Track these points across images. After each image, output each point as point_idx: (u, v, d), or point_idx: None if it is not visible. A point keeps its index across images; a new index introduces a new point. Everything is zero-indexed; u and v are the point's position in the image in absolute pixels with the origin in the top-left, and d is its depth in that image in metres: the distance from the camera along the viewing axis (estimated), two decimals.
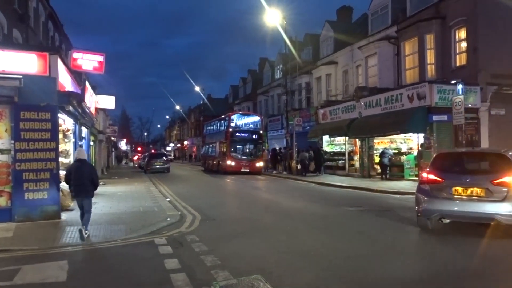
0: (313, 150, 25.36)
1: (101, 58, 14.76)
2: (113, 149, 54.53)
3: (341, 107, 23.87)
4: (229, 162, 28.57)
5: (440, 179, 7.85)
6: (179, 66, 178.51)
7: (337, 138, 25.31)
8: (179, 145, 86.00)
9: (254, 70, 49.01)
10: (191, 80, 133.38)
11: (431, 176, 7.95)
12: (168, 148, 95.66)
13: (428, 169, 8.19)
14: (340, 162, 24.61)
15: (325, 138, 25.99)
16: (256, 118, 31.78)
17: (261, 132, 30.50)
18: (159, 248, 7.47)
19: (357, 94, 21.89)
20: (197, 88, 55.92)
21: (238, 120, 32.12)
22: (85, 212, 8.70)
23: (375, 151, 21.66)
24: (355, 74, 26.13)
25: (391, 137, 21.31)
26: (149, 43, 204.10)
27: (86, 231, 8.45)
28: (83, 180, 8.54)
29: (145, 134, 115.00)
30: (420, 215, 8.14)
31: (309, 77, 31.39)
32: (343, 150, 24.67)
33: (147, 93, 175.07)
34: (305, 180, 21.96)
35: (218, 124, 34.14)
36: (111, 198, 14.17)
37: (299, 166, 25.28)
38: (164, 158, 34.42)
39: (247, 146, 30.63)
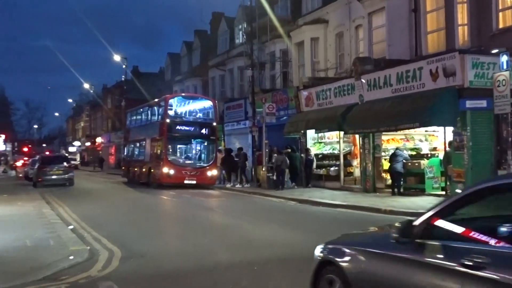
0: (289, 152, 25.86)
1: None
2: None
3: (333, 88, 24.15)
4: (166, 169, 28.42)
5: None
6: (87, 23, 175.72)
7: (327, 134, 25.63)
8: (88, 143, 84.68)
9: (203, 32, 48.90)
10: (106, 45, 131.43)
11: None
12: (72, 149, 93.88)
13: None
14: (332, 169, 24.96)
15: (310, 133, 26.30)
16: (207, 104, 31.73)
17: (214, 124, 30.52)
18: None
19: (357, 68, 22.21)
20: (117, 58, 55.19)
21: (180, 107, 31.91)
22: None
23: (383, 153, 22.07)
24: (354, 39, 26.52)
25: (407, 132, 21.76)
26: None
27: None
28: None
29: (36, 127, 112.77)
30: None
31: (287, 43, 31.65)
32: (336, 152, 25.01)
33: (38, 65, 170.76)
34: (281, 197, 22.09)
35: (149, 113, 33.88)
36: None
37: (274, 177, 25.46)
38: (65, 163, 33.83)
39: (193, 146, 30.55)
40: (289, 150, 26.28)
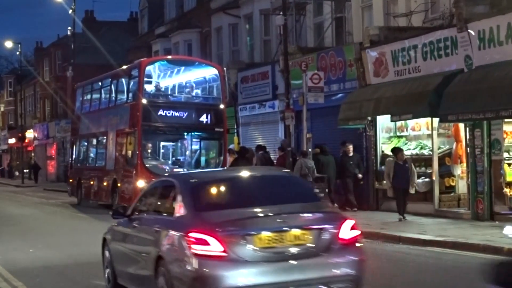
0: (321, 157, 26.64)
1: None
2: None
3: (421, 45, 24.09)
4: (141, 183, 28.40)
5: None
6: None
7: (410, 123, 25.66)
8: (13, 140, 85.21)
9: None
10: None
11: None
12: None
13: None
14: (420, 181, 24.88)
15: (383, 122, 26.44)
16: (209, 72, 31.74)
17: (221, 107, 30.50)
18: None
19: (461, 11, 22.09)
20: None
21: (164, 78, 31.96)
22: None
23: (506, 155, 22.02)
24: None
25: None
26: None
27: None
28: None
29: None
30: None
31: None
32: (426, 153, 24.96)
33: None
34: None
35: (113, 89, 33.98)
36: None
37: None
38: None
39: (186, 144, 30.60)
40: (318, 151, 26.87)
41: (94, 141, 35.67)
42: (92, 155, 36.02)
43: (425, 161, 24.95)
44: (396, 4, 28.69)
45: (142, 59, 33.57)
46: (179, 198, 11.03)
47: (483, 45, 21.43)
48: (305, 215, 10.57)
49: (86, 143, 37.28)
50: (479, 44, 21.55)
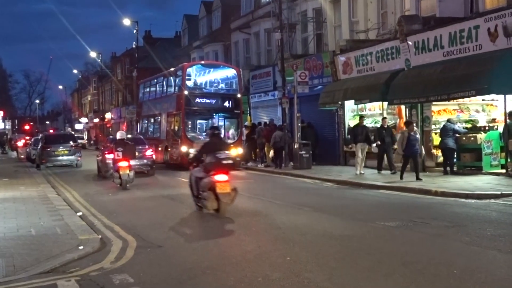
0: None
1: None
2: None
3: (375, 52, 24.04)
4: (184, 148, 28.62)
5: None
6: None
7: (368, 105, 25.58)
8: (97, 120, 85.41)
9: None
10: (114, 7, 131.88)
11: None
12: (79, 126, 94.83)
13: None
14: (374, 145, 24.81)
15: (349, 104, 26.32)
16: (230, 72, 31.70)
17: (238, 96, 30.56)
18: None
19: (403, 28, 21.99)
20: (126, 22, 55.32)
21: (199, 76, 31.90)
22: None
23: (433, 126, 21.96)
24: None
25: (461, 101, 21.53)
26: None
27: None
28: None
29: (37, 102, 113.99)
30: None
31: (321, 1, 31.39)
32: (379, 126, 24.84)
33: (38, 32, 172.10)
34: (316, 178, 22.30)
35: (165, 84, 34.04)
36: None
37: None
38: (72, 143, 34.19)
39: (215, 121, 30.62)
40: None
41: (152, 120, 35.83)
42: (151, 129, 36.14)
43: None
44: (358, 24, 28.54)
45: (184, 63, 33.51)
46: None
47: (418, 51, 21.53)
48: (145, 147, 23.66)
49: (146, 122, 37.43)
50: (415, 51, 21.64)
